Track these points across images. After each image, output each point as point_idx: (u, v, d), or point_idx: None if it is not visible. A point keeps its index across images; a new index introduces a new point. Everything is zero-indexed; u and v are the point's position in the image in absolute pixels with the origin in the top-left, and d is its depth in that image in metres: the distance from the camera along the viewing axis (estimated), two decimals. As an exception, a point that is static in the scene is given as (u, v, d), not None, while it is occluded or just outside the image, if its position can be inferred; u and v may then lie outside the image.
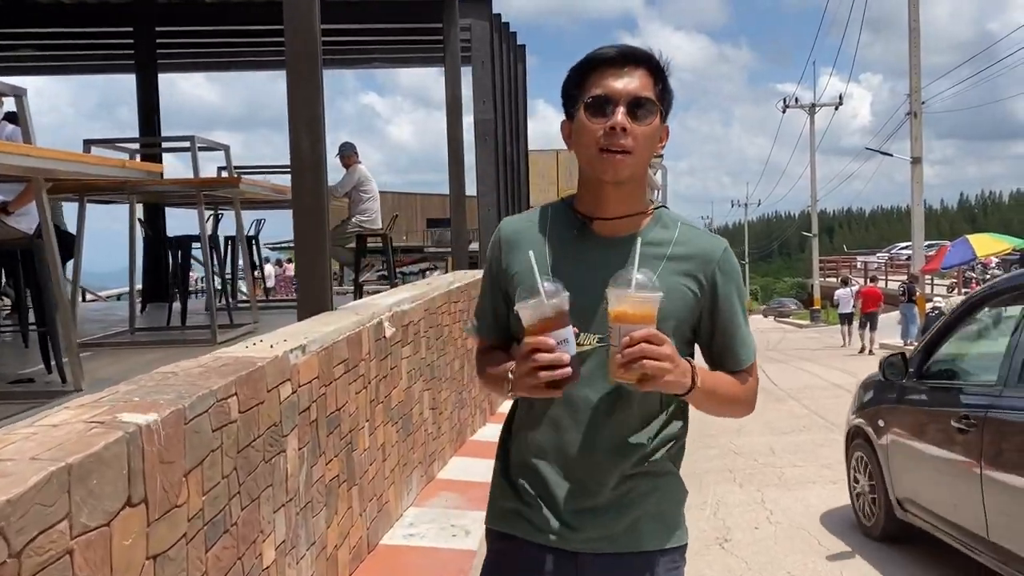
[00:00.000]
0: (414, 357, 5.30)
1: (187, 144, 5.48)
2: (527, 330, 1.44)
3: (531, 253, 1.50)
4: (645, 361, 1.39)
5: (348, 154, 7.57)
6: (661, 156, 50.95)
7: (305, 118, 4.79)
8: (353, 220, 7.46)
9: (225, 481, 2.54)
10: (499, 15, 10.81)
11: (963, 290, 26.60)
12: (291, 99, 4.78)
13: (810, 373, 14.17)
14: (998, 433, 3.64)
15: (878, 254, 46.77)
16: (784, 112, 35.20)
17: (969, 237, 17.28)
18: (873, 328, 18.89)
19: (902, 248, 46.53)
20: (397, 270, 10.47)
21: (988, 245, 16.96)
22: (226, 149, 5.95)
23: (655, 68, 1.57)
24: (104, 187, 4.91)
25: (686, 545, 1.72)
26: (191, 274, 10.58)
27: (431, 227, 30.33)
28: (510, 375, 1.53)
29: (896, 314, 18.90)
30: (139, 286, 7.84)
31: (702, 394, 1.55)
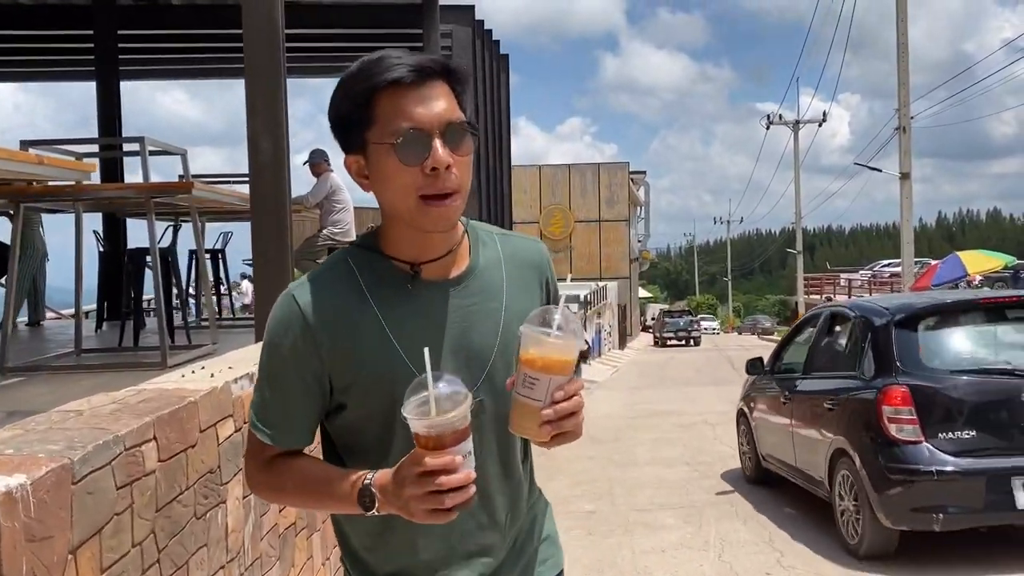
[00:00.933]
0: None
1: (140, 148, 4.96)
2: (422, 443, 1.15)
3: (426, 351, 1.17)
4: (576, 419, 1.21)
5: (319, 162, 7.06)
6: (644, 173, 51.03)
7: (265, 114, 4.30)
8: (324, 232, 6.95)
9: (138, 549, 2.03)
10: (482, 21, 10.42)
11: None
12: (249, 92, 4.29)
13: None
14: (797, 403, 6.11)
15: (861, 271, 46.68)
16: (768, 128, 35.06)
17: (960, 254, 16.99)
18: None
19: (884, 265, 46.46)
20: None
21: (979, 262, 16.66)
22: (183, 154, 5.44)
23: (454, 77, 1.27)
24: (41, 193, 4.39)
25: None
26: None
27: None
28: (376, 491, 1.22)
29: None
30: (90, 305, 7.28)
31: None
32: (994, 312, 5.40)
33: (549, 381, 1.19)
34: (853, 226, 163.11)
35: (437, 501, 1.14)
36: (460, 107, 1.27)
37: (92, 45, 8.61)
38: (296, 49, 10.18)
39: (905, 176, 17.03)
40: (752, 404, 7.16)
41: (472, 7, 9.87)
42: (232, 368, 2.99)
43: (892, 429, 4.79)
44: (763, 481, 6.86)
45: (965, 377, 4.92)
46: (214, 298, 8.62)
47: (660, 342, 36.84)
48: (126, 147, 7.14)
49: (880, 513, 4.79)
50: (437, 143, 1.21)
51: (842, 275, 44.55)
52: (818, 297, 38.11)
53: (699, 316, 42.83)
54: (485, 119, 10.80)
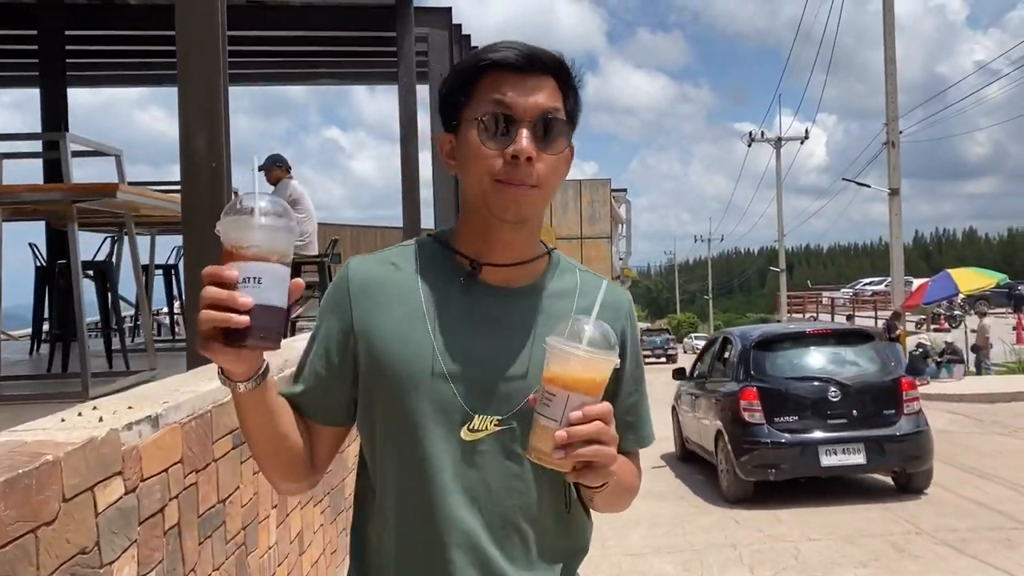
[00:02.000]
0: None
1: (61, 146, 4.32)
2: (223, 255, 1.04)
3: (257, 158, 1.15)
4: (598, 447, 1.05)
5: (274, 167, 6.42)
6: (625, 190, 50.67)
7: (200, 105, 3.69)
8: (283, 246, 6.30)
9: None
10: (459, 25, 9.85)
11: (931, 326, 26.14)
12: (182, 78, 3.68)
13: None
14: (701, 400, 8.37)
15: (843, 289, 46.49)
16: (750, 146, 34.85)
17: (951, 272, 16.64)
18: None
19: (866, 284, 46.31)
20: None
21: (971, 280, 16.31)
22: (117, 156, 4.83)
23: (565, 76, 1.23)
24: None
25: None
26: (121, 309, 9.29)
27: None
28: None
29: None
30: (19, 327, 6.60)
31: (613, 486, 1.19)
32: (816, 339, 7.96)
33: (567, 399, 1.06)
34: (831, 245, 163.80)
35: (203, 319, 1.02)
36: (564, 108, 1.21)
37: (36, 47, 7.96)
38: (263, 53, 9.60)
39: (895, 192, 16.65)
40: (678, 402, 9.65)
41: (449, 9, 9.31)
42: (132, 408, 2.37)
43: (746, 415, 7.19)
44: (686, 459, 9.26)
45: (793, 381, 7.40)
46: (165, 318, 7.97)
47: None
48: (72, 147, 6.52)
49: (738, 470, 7.12)
50: (524, 131, 1.16)
51: (824, 293, 44.31)
52: (800, 315, 37.77)
53: (692, 335, 43.12)
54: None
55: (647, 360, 36.01)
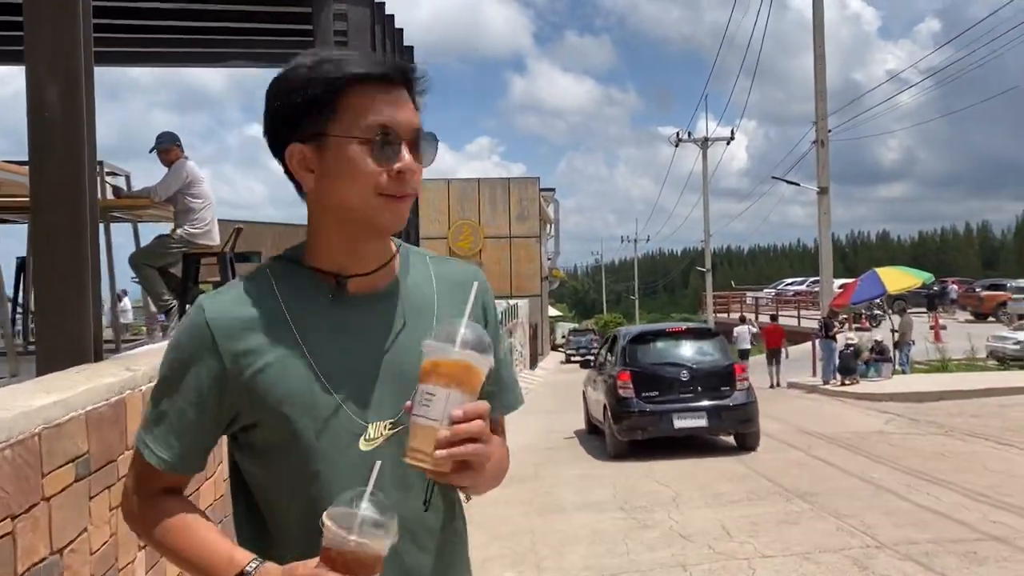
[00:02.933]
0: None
1: None
2: (330, 559, 1.01)
3: (378, 464, 1.08)
4: (478, 445, 1.08)
5: (168, 146, 5.67)
6: (553, 190, 50.45)
7: (49, 44, 3.00)
8: (179, 232, 5.54)
9: None
10: (383, 4, 9.19)
11: (854, 325, 26.57)
12: (29, 17, 2.98)
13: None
14: (599, 382, 10.99)
15: (765, 289, 47.25)
16: (676, 146, 34.88)
17: (879, 271, 16.68)
18: (778, 363, 18.63)
19: (788, 284, 47.14)
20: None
21: (898, 279, 16.39)
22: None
23: (413, 88, 1.23)
24: None
25: None
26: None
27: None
28: None
29: (803, 348, 18.34)
30: None
31: (492, 471, 1.20)
32: (675, 335, 10.64)
33: (448, 396, 1.06)
34: (752, 247, 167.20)
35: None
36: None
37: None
38: (164, 29, 8.78)
39: (823, 191, 16.61)
40: (586, 387, 12.17)
41: (371, -16, 8.63)
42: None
43: (621, 392, 9.74)
44: (591, 431, 11.72)
45: (656, 366, 10.03)
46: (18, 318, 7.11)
47: (567, 359, 37.97)
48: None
49: (616, 434, 9.75)
50: (405, 149, 1.19)
51: (748, 293, 44.86)
52: (725, 315, 38.14)
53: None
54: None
55: (572, 359, 36.01)
